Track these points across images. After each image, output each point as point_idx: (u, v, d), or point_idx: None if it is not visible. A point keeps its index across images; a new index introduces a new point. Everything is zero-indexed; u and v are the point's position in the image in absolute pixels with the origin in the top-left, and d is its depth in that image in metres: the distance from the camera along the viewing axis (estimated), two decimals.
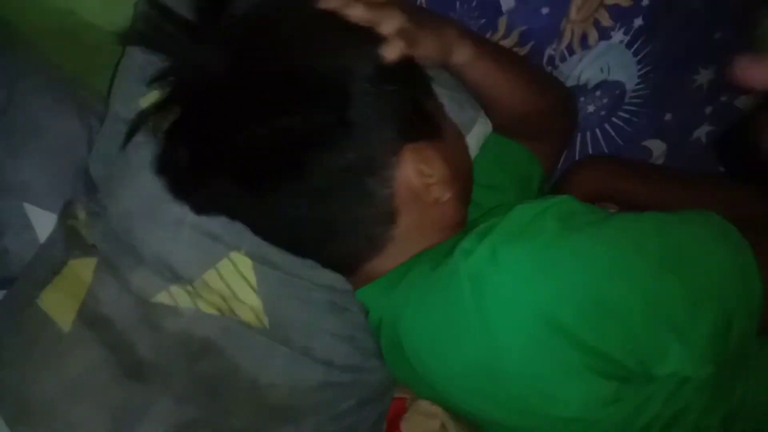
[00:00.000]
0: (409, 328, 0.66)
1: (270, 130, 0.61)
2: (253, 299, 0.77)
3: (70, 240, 0.79)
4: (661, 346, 0.56)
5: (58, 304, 0.75)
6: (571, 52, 0.99)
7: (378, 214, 0.67)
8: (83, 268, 0.77)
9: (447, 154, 0.68)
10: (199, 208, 0.71)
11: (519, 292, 0.56)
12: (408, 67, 0.66)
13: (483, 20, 0.92)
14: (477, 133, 0.86)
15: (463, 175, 0.72)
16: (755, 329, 0.60)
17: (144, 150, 0.74)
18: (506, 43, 0.94)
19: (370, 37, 0.64)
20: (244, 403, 0.76)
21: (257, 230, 0.72)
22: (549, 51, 0.98)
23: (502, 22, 0.93)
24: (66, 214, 0.81)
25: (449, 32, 0.73)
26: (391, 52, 0.63)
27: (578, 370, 0.57)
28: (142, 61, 0.77)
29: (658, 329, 0.56)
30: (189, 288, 0.76)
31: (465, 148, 0.76)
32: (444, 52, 0.72)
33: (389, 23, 0.65)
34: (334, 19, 0.64)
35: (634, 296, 0.56)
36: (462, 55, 0.74)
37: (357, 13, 0.64)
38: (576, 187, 0.84)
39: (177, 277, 0.76)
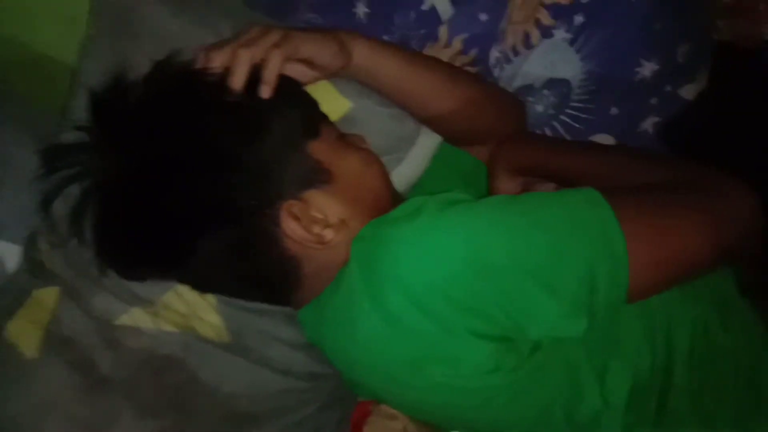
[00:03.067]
0: (326, 337, 0.71)
1: (159, 223, 0.68)
2: (213, 316, 0.80)
3: (34, 271, 0.83)
4: (532, 301, 0.62)
5: (23, 333, 0.78)
6: (516, 53, 1.01)
7: (280, 264, 0.71)
8: (47, 296, 0.80)
9: (341, 192, 0.71)
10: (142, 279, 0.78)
11: (398, 266, 0.62)
12: (290, 117, 0.70)
13: (423, 31, 0.94)
14: (423, 144, 0.88)
15: (371, 203, 0.74)
16: (622, 302, 0.65)
17: None
18: (449, 51, 0.97)
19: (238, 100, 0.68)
20: (207, 412, 0.80)
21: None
22: (494, 53, 1.00)
23: (443, 31, 0.95)
24: (29, 247, 0.85)
25: (340, 33, 0.76)
26: (268, 77, 0.68)
27: (461, 332, 0.62)
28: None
29: (527, 284, 0.62)
30: (150, 309, 0.80)
31: (376, 173, 0.77)
32: (340, 53, 0.75)
33: (247, 40, 0.69)
34: (201, 90, 0.68)
35: (502, 253, 0.62)
36: (360, 51, 0.77)
37: (217, 61, 0.68)
38: (502, 164, 0.87)
39: (138, 299, 0.79)
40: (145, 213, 0.68)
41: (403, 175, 0.87)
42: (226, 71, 0.68)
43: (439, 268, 0.61)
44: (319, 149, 0.70)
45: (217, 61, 0.68)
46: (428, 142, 0.89)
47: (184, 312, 0.80)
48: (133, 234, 0.69)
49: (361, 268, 0.65)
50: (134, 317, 0.79)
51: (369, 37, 0.79)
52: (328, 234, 0.69)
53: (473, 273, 0.61)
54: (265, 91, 0.68)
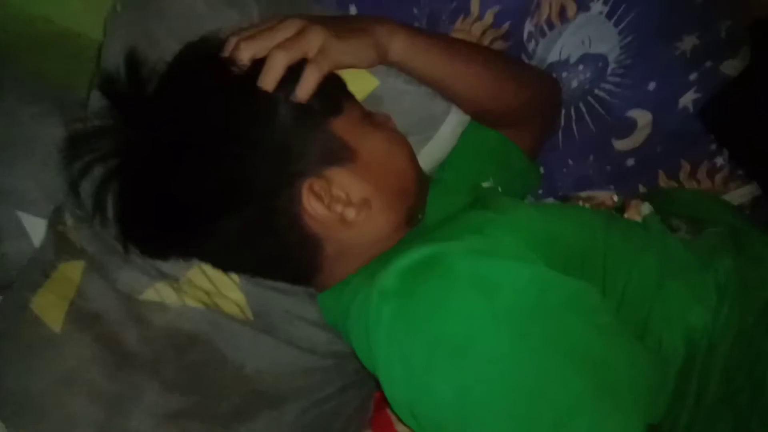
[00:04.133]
0: (353, 337, 0.69)
1: (180, 203, 0.67)
2: (236, 294, 0.80)
3: (60, 245, 0.83)
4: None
5: (49, 306, 0.79)
6: (551, 26, 0.98)
7: (302, 245, 0.70)
8: (72, 271, 0.81)
9: (365, 171, 0.70)
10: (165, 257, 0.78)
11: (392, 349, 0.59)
12: (316, 100, 0.68)
13: (454, 4, 0.92)
14: (451, 124, 0.86)
15: (395, 183, 0.73)
16: None
17: None
18: (481, 24, 0.94)
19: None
20: (231, 389, 0.79)
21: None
22: (528, 27, 0.97)
23: (475, 3, 0.92)
24: (55, 221, 0.85)
25: (378, 30, 0.73)
26: (305, 91, 0.66)
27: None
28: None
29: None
30: (175, 285, 0.79)
31: (401, 152, 0.75)
32: (376, 52, 0.73)
33: (288, 38, 0.67)
34: (229, 74, 0.67)
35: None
36: (396, 50, 0.75)
37: (246, 55, 0.66)
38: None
39: (163, 275, 0.79)
40: (165, 193, 0.67)
41: (429, 155, 0.86)
42: (255, 65, 0.66)
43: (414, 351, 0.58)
44: (342, 127, 0.69)
45: (248, 54, 0.66)
46: (456, 121, 0.86)
47: (208, 289, 0.80)
48: (154, 214, 0.69)
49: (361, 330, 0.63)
50: (159, 292, 0.79)
51: (407, 31, 0.76)
52: (351, 213, 0.68)
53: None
54: (302, 95, 0.66)
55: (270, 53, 0.66)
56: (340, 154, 0.68)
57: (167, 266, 0.79)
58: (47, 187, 0.87)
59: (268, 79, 0.65)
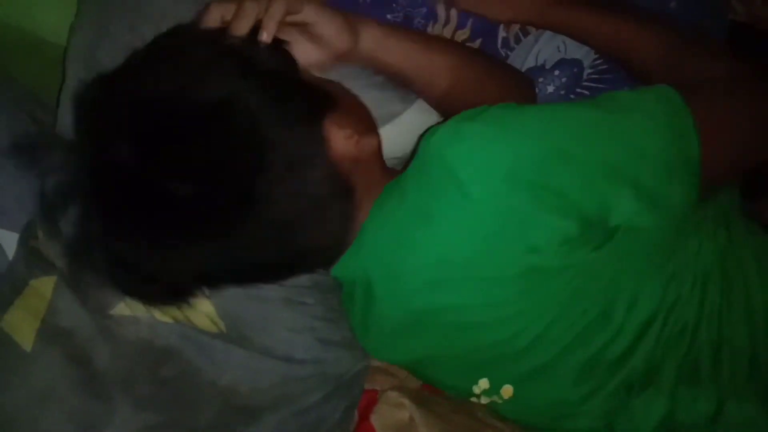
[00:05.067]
0: (372, 249, 0.71)
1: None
2: (205, 305, 0.79)
3: (31, 260, 0.82)
4: (615, 191, 0.64)
5: (20, 324, 0.78)
6: (526, 33, 0.98)
7: (336, 198, 0.69)
8: (44, 287, 0.80)
9: (350, 108, 0.72)
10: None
11: (484, 154, 0.63)
12: (282, 54, 0.70)
13: (425, 9, 0.92)
14: (412, 114, 0.87)
15: (368, 121, 0.76)
16: (696, 194, 0.67)
17: None
18: (449, 28, 0.94)
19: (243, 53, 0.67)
20: (206, 404, 0.78)
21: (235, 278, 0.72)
22: (501, 33, 0.97)
23: (441, 9, 0.92)
24: (27, 235, 0.84)
25: (349, 14, 0.74)
26: (239, 27, 0.67)
27: (541, 214, 0.63)
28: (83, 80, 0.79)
29: (611, 175, 0.64)
30: None
31: (355, 96, 0.77)
32: (346, 30, 0.73)
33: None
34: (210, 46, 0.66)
35: (578, 143, 0.64)
36: (367, 35, 0.75)
37: (218, 12, 0.68)
38: None
39: None
40: (198, 188, 0.61)
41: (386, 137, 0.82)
42: (227, 24, 0.67)
43: (520, 151, 0.63)
44: (312, 78, 0.72)
45: (216, 14, 0.67)
46: (417, 116, 0.87)
47: None
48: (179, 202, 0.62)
49: (441, 161, 0.65)
50: (130, 306, 0.78)
51: (379, 22, 0.77)
52: (366, 143, 0.70)
53: (553, 156, 0.63)
54: (265, 36, 0.67)
55: (240, 6, 0.67)
56: (329, 99, 0.69)
57: None
58: (20, 199, 0.85)
59: (238, 26, 0.66)
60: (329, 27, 0.72)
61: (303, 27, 0.72)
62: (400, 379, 0.90)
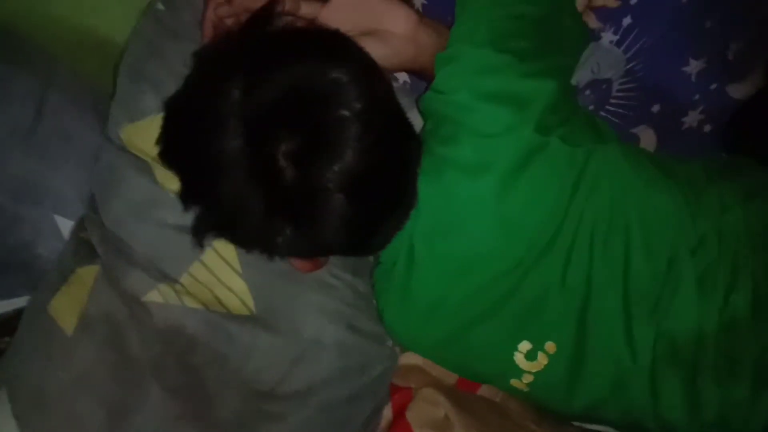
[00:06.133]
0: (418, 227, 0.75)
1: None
2: (238, 283, 0.81)
3: (80, 249, 0.86)
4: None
5: (64, 309, 0.82)
6: None
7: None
8: (87, 275, 0.84)
9: None
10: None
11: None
12: None
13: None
14: None
15: None
16: None
17: (123, 159, 0.81)
18: None
19: None
20: (231, 392, 0.80)
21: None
22: None
23: None
24: (79, 226, 0.88)
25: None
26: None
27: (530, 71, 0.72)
28: (127, 90, 0.84)
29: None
30: (177, 286, 0.81)
31: None
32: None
33: None
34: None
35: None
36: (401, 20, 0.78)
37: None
38: None
39: (164, 276, 0.81)
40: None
41: None
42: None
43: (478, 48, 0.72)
44: None
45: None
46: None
47: (210, 282, 0.81)
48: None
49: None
50: (162, 293, 0.81)
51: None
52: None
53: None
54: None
55: None
56: None
57: (168, 266, 0.81)
58: (83, 189, 0.89)
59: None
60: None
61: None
62: (435, 376, 0.90)
